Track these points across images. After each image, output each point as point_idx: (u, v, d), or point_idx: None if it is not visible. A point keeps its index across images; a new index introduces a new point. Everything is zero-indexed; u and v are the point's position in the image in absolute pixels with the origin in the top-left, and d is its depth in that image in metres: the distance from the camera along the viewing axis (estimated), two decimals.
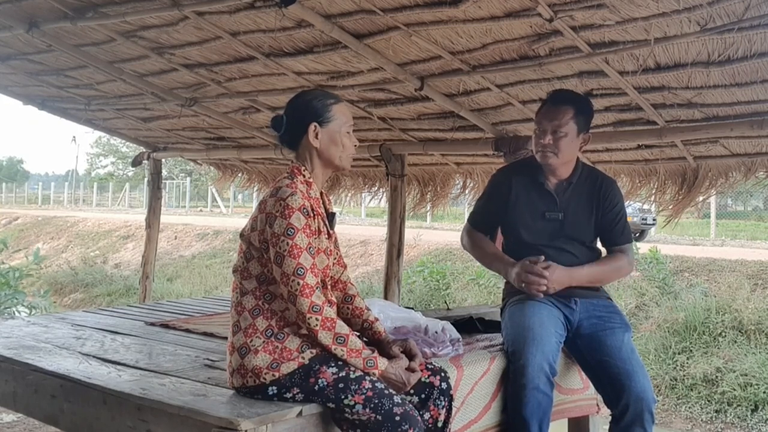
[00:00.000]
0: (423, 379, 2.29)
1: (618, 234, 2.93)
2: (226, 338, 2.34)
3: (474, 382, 2.66)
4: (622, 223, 2.94)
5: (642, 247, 10.62)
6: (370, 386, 2.09)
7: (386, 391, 2.11)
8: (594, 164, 3.68)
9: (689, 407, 7.18)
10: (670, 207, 4.40)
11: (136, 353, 2.95)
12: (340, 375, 2.11)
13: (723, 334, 7.81)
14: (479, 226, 3.09)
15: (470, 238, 3.09)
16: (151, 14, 3.66)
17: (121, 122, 5.94)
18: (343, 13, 3.32)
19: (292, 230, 2.09)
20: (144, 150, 6.43)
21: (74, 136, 72.30)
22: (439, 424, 2.29)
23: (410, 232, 7.78)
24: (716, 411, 7.01)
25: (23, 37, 4.22)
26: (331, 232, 2.30)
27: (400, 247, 5.06)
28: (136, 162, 6.72)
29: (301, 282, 2.08)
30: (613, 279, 3.00)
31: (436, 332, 2.80)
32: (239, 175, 6.75)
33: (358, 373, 2.12)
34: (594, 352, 2.78)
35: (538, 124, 2.90)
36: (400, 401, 2.10)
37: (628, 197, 4.51)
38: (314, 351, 2.14)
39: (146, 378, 2.52)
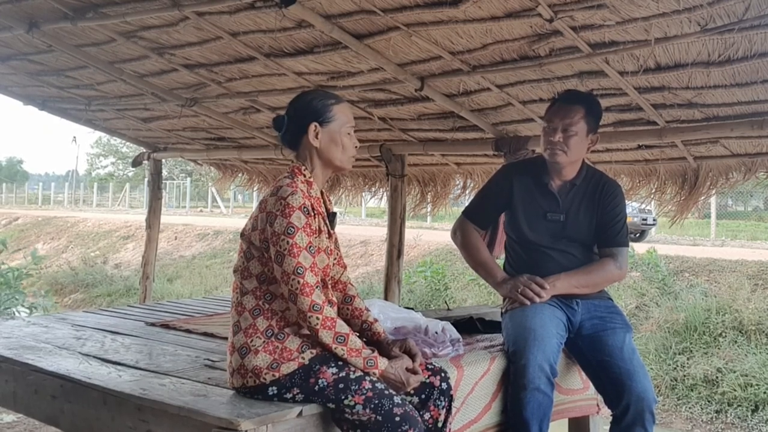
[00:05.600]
0: (423, 380, 2.29)
1: (613, 235, 2.92)
2: (226, 338, 2.34)
3: (474, 382, 2.66)
4: (620, 225, 2.93)
5: (641, 248, 10.63)
6: (370, 386, 2.09)
7: (386, 392, 2.11)
8: (594, 164, 3.67)
9: (689, 407, 7.17)
10: (671, 207, 4.39)
11: (136, 353, 2.95)
12: (341, 375, 2.11)
13: (723, 334, 7.81)
14: (474, 219, 3.08)
15: (464, 234, 3.07)
16: (152, 14, 3.66)
17: (121, 122, 5.95)
18: (343, 14, 3.32)
19: (293, 229, 2.09)
20: (144, 150, 6.43)
21: (74, 137, 72.46)
22: (439, 425, 2.29)
23: (410, 233, 7.78)
24: (716, 411, 7.01)
25: (23, 38, 4.22)
26: (331, 231, 2.31)
27: (400, 248, 5.06)
28: (137, 162, 6.73)
29: (301, 281, 2.08)
30: (602, 286, 2.97)
31: (436, 332, 2.80)
32: (239, 175, 6.75)
33: (358, 373, 2.12)
34: (595, 352, 2.78)
35: (548, 122, 2.89)
36: (400, 402, 2.10)
37: (628, 197, 4.50)
38: (314, 351, 2.15)
39: (146, 378, 2.52)
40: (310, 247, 2.13)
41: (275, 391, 2.13)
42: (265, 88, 4.49)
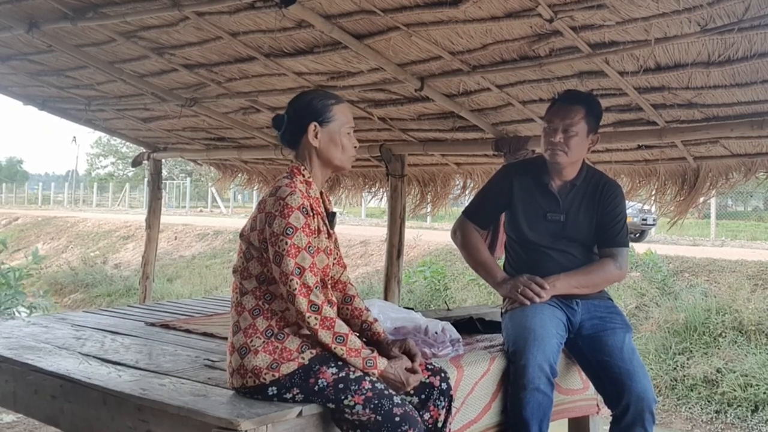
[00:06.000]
0: (423, 380, 2.29)
1: (613, 235, 2.92)
2: (226, 338, 2.34)
3: (474, 382, 2.66)
4: (620, 226, 2.93)
5: (641, 248, 10.63)
6: (370, 387, 2.09)
7: (386, 392, 2.11)
8: (594, 164, 3.67)
9: (689, 408, 7.17)
10: (670, 208, 4.39)
11: (136, 353, 2.95)
12: (340, 375, 2.11)
13: (723, 334, 7.81)
14: (474, 219, 3.08)
15: (464, 234, 3.07)
16: (151, 14, 3.66)
17: (121, 122, 5.95)
18: (343, 14, 3.32)
19: (291, 229, 2.09)
20: (144, 150, 6.43)
21: (74, 137, 72.36)
22: (439, 425, 2.29)
23: (410, 233, 7.78)
24: (716, 411, 7.01)
25: (23, 38, 4.22)
26: (331, 231, 2.30)
27: (400, 248, 5.07)
28: (136, 162, 6.73)
29: (300, 281, 2.08)
30: (602, 286, 2.98)
31: (436, 333, 2.80)
32: (239, 175, 6.75)
33: (358, 373, 2.13)
34: (595, 352, 2.79)
35: (548, 122, 2.89)
36: (399, 402, 2.10)
37: (628, 197, 4.50)
38: (314, 351, 2.15)
39: (146, 378, 2.52)
40: (309, 247, 2.13)
41: (275, 391, 2.13)
42: (265, 88, 4.49)
